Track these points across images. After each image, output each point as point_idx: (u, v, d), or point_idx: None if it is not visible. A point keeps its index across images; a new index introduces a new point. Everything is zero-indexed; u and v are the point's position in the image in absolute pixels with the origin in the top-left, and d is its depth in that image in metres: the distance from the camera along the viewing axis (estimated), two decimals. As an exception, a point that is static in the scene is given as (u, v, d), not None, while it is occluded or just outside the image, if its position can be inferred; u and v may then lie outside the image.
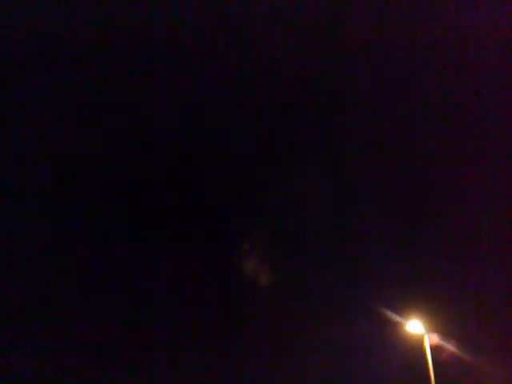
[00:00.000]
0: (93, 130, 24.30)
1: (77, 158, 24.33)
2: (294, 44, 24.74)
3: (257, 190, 25.19)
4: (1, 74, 23.56)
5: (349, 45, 24.11)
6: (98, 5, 23.39)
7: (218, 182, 25.31)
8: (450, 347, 18.91)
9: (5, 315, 21.69)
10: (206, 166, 25.24)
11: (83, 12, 23.85)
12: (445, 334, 18.73)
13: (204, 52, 24.63)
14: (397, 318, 19.37)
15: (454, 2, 23.09)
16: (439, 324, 18.59)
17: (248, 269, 24.25)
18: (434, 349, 17.97)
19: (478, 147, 22.85)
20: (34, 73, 24.14)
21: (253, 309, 22.95)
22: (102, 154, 24.58)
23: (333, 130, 24.88)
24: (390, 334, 19.58)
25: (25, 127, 23.78)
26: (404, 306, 19.35)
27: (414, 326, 18.42)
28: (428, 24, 23.57)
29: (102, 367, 21.36)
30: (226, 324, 22.90)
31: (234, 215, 24.98)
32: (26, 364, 20.95)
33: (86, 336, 22.34)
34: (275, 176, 25.35)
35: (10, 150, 23.70)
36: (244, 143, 25.61)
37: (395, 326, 19.31)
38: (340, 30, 24.11)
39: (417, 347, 18.29)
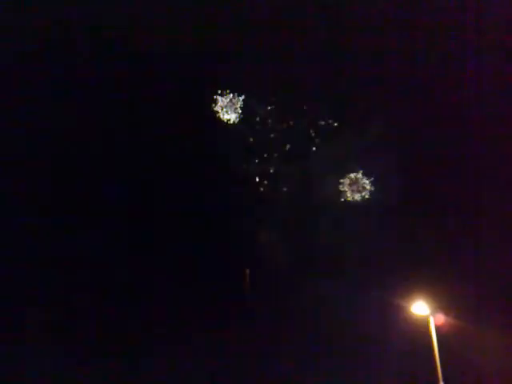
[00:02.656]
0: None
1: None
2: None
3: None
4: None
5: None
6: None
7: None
8: (455, 326, 19.24)
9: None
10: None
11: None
12: (450, 314, 19.05)
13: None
14: (402, 300, 19.65)
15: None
16: (444, 305, 18.90)
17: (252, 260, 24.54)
18: (439, 329, 18.26)
19: (478, 146, 23.18)
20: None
21: (257, 296, 23.26)
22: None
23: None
24: (395, 315, 19.92)
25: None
26: (409, 287, 19.67)
27: (420, 308, 18.68)
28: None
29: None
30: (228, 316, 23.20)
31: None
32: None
33: (85, 336, 22.40)
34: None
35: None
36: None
37: (400, 308, 19.63)
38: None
39: (422, 328, 18.61)
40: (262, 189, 25.79)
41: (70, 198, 24.03)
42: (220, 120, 25.73)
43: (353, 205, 23.98)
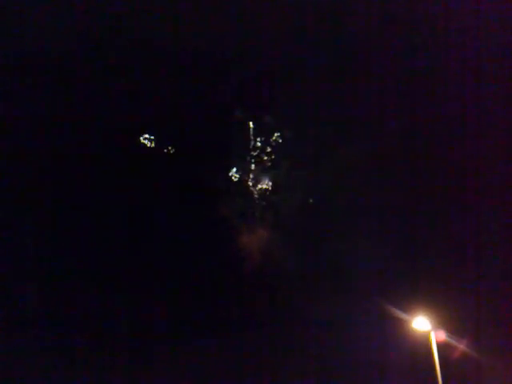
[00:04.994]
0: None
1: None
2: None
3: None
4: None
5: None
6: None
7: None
8: (457, 343, 18.92)
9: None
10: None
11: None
12: (451, 330, 18.74)
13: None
14: (403, 314, 19.38)
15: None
16: (446, 320, 18.59)
17: (248, 265, 24.40)
18: (440, 345, 17.92)
19: (479, 148, 23.03)
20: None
21: (258, 310, 23.15)
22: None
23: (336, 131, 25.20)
24: (396, 330, 19.66)
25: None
26: (410, 302, 19.40)
27: (421, 323, 18.35)
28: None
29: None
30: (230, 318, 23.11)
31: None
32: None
33: (86, 335, 22.55)
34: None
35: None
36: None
37: (401, 323, 19.35)
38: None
39: (423, 344, 18.28)
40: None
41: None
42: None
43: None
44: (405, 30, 24.35)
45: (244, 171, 25.93)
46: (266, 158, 25.93)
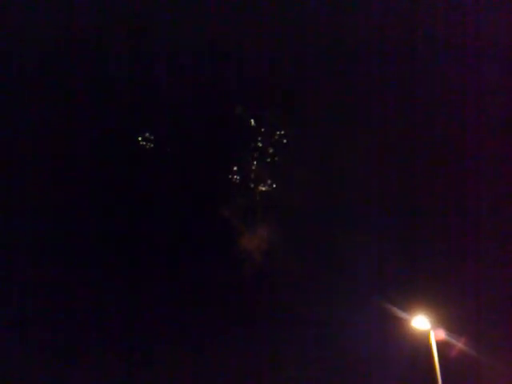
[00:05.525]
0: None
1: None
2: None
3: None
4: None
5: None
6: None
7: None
8: (456, 342, 18.92)
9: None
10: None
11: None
12: (451, 329, 18.74)
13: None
14: (403, 313, 19.39)
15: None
16: (445, 319, 18.59)
17: (249, 266, 24.38)
18: (440, 344, 17.93)
19: (479, 147, 23.05)
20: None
21: (258, 310, 23.19)
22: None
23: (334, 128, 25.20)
24: (395, 329, 19.66)
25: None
26: (410, 301, 19.42)
27: (420, 322, 18.37)
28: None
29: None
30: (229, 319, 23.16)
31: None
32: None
33: (86, 335, 22.61)
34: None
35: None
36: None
37: (401, 322, 19.36)
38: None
39: (423, 343, 18.29)
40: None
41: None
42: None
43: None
44: (405, 29, 24.38)
45: (245, 171, 25.91)
46: (268, 159, 25.91)
